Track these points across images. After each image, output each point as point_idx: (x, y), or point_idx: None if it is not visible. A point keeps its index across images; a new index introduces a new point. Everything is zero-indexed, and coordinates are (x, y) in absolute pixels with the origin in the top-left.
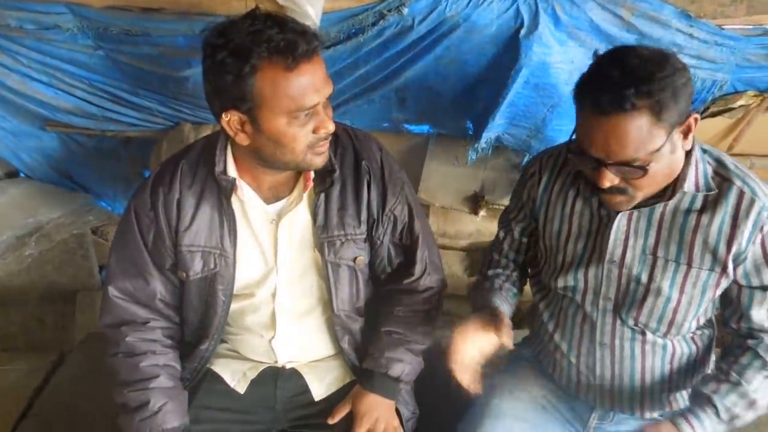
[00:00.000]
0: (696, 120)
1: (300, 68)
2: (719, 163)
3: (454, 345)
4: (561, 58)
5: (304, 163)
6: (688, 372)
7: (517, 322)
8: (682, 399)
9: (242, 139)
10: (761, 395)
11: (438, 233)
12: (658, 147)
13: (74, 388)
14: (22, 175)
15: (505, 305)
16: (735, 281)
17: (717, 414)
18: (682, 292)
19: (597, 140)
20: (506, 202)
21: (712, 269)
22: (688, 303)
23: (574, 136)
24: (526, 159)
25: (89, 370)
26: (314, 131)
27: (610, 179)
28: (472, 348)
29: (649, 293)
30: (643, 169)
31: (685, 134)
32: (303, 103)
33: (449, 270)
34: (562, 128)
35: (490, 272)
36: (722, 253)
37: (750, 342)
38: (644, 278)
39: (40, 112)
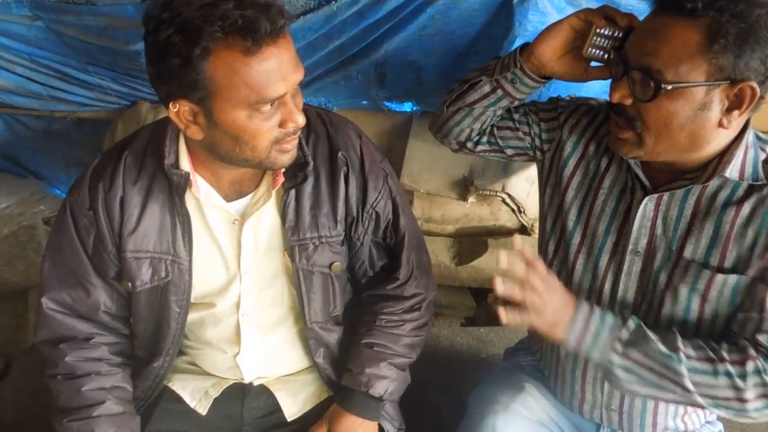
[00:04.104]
0: (753, 92)
1: (262, 52)
2: None
3: None
4: None
5: (267, 162)
6: None
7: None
8: (697, 417)
9: (194, 133)
10: (689, 379)
11: (423, 218)
12: (688, 79)
13: (18, 404)
14: None
15: None
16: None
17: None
18: (704, 300)
19: (639, 37)
20: (498, 187)
21: (743, 273)
22: (714, 312)
23: None
24: None
25: (35, 385)
26: (281, 125)
27: (621, 92)
28: None
29: (665, 299)
30: (656, 86)
31: (733, 106)
32: (266, 94)
33: (435, 259)
34: None
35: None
36: (758, 253)
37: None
38: (662, 278)
39: None
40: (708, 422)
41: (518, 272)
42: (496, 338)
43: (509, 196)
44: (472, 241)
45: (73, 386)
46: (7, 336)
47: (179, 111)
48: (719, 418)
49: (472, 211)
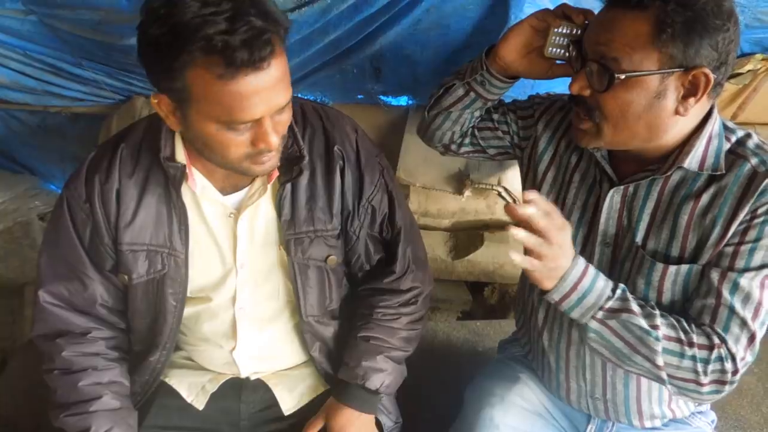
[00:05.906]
0: (707, 78)
1: (237, 80)
2: (739, 142)
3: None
4: None
5: (240, 170)
6: None
7: (504, 310)
8: (685, 405)
9: (172, 124)
10: (660, 354)
11: (419, 212)
12: (641, 68)
13: (15, 401)
14: None
15: None
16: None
17: (613, 290)
18: (660, 293)
19: (593, 30)
20: (494, 180)
21: (695, 262)
22: (671, 302)
23: None
24: None
25: (33, 381)
26: (252, 143)
27: (579, 83)
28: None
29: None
30: (610, 75)
31: (689, 94)
32: (239, 117)
33: (431, 253)
34: None
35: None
36: (714, 240)
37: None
38: (625, 270)
39: None
40: (699, 412)
41: (539, 223)
42: (492, 332)
43: (505, 189)
44: (468, 235)
45: (70, 381)
46: (3, 332)
47: (159, 102)
48: (712, 408)
49: (468, 205)
